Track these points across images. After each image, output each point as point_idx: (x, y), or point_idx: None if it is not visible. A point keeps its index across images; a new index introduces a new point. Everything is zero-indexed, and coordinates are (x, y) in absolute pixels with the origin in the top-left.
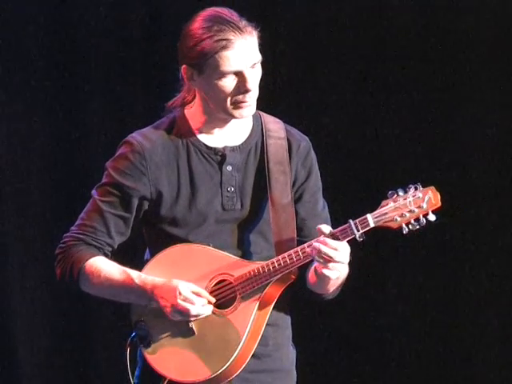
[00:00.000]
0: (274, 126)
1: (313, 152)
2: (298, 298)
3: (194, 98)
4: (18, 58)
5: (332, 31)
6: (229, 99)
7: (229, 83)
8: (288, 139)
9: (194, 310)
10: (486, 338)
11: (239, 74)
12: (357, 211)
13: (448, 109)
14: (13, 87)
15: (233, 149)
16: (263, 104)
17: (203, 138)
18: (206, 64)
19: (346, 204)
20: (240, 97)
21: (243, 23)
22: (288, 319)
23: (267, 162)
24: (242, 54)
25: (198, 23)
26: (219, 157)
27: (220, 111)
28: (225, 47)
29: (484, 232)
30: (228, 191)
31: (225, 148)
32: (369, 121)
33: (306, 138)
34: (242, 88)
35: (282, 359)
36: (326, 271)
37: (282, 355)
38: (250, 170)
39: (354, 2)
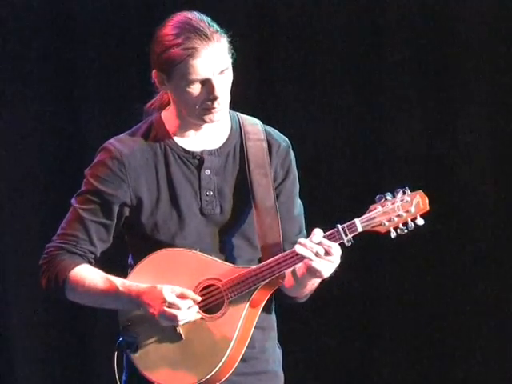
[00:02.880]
0: (253, 127)
1: (292, 153)
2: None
3: (169, 102)
4: (12, 57)
5: (327, 32)
6: (197, 106)
7: (196, 90)
8: (268, 140)
9: (181, 315)
10: (482, 341)
11: (207, 82)
12: (345, 215)
13: (439, 109)
14: (6, 91)
15: (211, 152)
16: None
17: (181, 141)
18: (174, 71)
19: (333, 207)
20: (209, 103)
21: (211, 30)
22: (273, 320)
23: (248, 165)
24: (209, 62)
25: (167, 29)
26: (197, 161)
27: (190, 116)
28: (191, 55)
29: (475, 235)
30: (207, 195)
31: (203, 152)
32: (359, 123)
33: (286, 138)
34: (210, 95)
35: (269, 361)
36: (315, 265)
37: (269, 357)
38: (229, 174)
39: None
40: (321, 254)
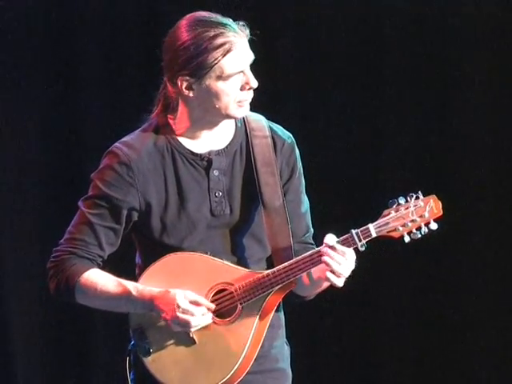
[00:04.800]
0: (257, 124)
1: (297, 149)
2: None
3: (178, 105)
4: (12, 58)
5: (330, 33)
6: (233, 100)
7: (234, 84)
8: (272, 137)
9: (194, 322)
10: (485, 345)
11: (243, 74)
12: (355, 217)
13: (448, 112)
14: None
15: (218, 152)
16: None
17: (188, 144)
18: (211, 71)
19: (345, 211)
20: (244, 95)
21: (236, 23)
22: (282, 318)
23: (255, 165)
24: (244, 53)
25: (188, 33)
26: (205, 162)
27: (219, 115)
28: (229, 50)
29: (483, 237)
30: (216, 196)
31: (210, 152)
32: (369, 127)
33: (290, 134)
34: (245, 86)
35: (278, 359)
36: (331, 276)
37: (278, 354)
38: (237, 173)
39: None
40: (342, 263)
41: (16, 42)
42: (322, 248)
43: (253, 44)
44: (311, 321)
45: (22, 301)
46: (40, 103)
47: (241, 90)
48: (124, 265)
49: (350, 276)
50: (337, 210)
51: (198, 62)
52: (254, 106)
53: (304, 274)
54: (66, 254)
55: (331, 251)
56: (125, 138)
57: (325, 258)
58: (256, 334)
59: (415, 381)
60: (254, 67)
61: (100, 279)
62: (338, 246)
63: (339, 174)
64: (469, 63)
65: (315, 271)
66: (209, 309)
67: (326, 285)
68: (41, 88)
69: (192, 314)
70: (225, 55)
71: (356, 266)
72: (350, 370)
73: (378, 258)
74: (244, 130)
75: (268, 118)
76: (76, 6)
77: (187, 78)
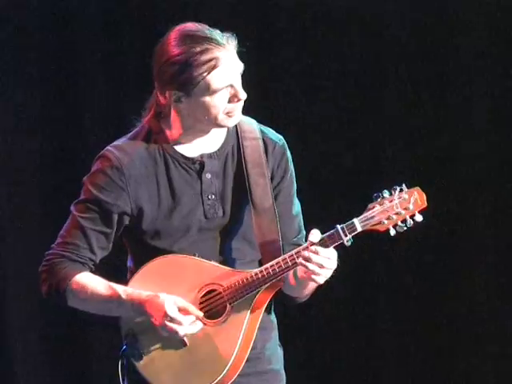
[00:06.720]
0: (249, 126)
1: (288, 151)
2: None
3: (170, 111)
4: (12, 59)
5: (327, 32)
6: (221, 112)
7: (221, 98)
8: (263, 140)
9: (181, 331)
10: (483, 342)
11: (230, 87)
12: (342, 213)
13: (435, 104)
14: (5, 93)
15: (210, 156)
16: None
17: (180, 148)
18: (198, 86)
19: (331, 207)
20: (233, 106)
21: (222, 36)
22: (273, 320)
23: (245, 166)
24: (231, 67)
25: (175, 48)
26: (198, 165)
27: (210, 124)
28: (214, 67)
29: (474, 230)
30: (209, 199)
31: (202, 156)
32: (356, 122)
33: (281, 136)
34: (234, 98)
35: (271, 360)
36: (314, 277)
37: (271, 356)
38: (228, 176)
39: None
40: (323, 265)
41: (16, 42)
42: (305, 250)
43: (254, 51)
44: (304, 322)
45: (22, 302)
46: (40, 103)
47: (229, 102)
48: (117, 270)
49: (344, 277)
50: (325, 206)
51: (184, 78)
52: (250, 105)
53: (290, 274)
54: (58, 258)
55: (314, 255)
56: (117, 142)
57: (303, 262)
58: (246, 332)
59: (411, 380)
60: (254, 70)
61: (90, 282)
62: (321, 250)
63: (330, 171)
64: (467, 62)
65: (300, 270)
66: (197, 317)
67: (312, 285)
68: (41, 88)
69: (180, 323)
70: (210, 72)
71: (349, 266)
72: (344, 371)
73: (370, 256)
74: (235, 132)
75: (263, 113)
76: (76, 6)
77: (175, 91)
